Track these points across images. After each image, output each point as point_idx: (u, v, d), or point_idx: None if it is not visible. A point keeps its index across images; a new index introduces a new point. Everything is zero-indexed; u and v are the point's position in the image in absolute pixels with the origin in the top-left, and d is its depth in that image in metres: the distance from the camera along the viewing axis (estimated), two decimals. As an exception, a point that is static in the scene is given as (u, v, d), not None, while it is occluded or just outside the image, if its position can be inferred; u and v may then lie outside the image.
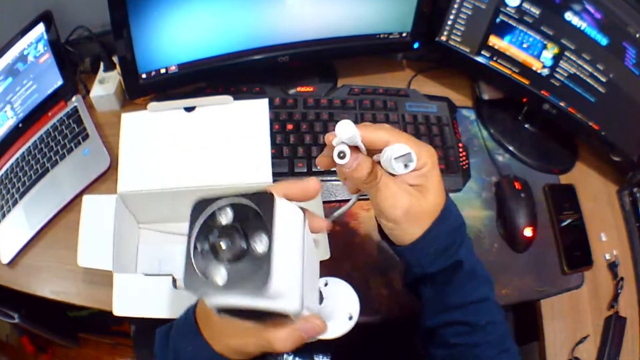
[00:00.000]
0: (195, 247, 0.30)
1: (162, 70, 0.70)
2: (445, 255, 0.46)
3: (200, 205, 0.30)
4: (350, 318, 0.43)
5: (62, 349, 1.30)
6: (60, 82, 0.82)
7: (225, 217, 0.30)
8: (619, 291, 0.83)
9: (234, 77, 0.79)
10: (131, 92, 0.71)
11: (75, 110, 0.82)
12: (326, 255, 0.61)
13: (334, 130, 0.37)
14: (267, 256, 0.28)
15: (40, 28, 0.78)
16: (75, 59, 0.87)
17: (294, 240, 0.32)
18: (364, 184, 0.40)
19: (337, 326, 0.42)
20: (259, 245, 0.29)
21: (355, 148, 0.38)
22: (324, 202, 0.69)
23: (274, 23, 0.73)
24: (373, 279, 0.71)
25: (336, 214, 0.47)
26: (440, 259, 0.46)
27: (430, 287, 0.49)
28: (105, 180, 0.75)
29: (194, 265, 0.29)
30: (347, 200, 0.49)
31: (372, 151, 0.42)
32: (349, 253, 0.71)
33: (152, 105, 0.63)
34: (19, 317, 1.03)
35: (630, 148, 0.86)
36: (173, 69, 0.71)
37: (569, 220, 0.82)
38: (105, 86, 0.81)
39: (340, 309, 0.44)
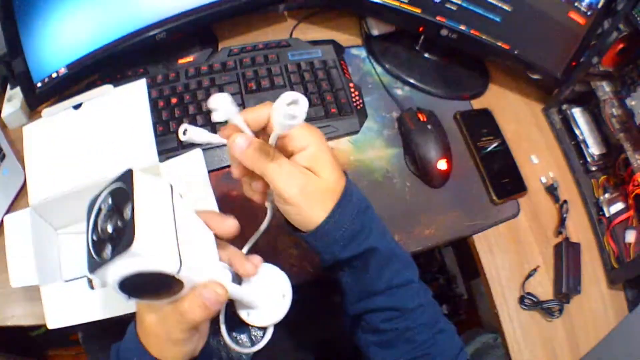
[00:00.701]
0: (92, 239, 0.33)
1: (54, 75, 0.71)
2: (356, 242, 0.43)
3: (91, 203, 0.34)
4: (284, 297, 0.46)
5: (32, 371, 1.33)
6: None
7: (106, 204, 0.34)
8: (565, 215, 0.75)
9: (120, 64, 0.78)
10: (30, 102, 0.72)
11: None
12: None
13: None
14: (131, 219, 0.31)
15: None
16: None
17: (160, 204, 0.34)
18: (256, 162, 0.40)
19: (274, 308, 0.46)
20: (128, 214, 0.31)
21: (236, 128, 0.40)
22: (217, 169, 0.69)
23: (143, 3, 0.73)
24: (280, 239, 0.64)
25: (253, 239, 0.48)
26: (351, 245, 0.43)
27: (349, 273, 0.46)
28: (24, 195, 0.73)
29: (92, 253, 0.32)
30: None
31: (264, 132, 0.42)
32: (252, 215, 0.65)
33: (45, 111, 0.64)
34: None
35: (550, 65, 0.80)
36: (63, 70, 0.71)
37: (490, 147, 0.75)
38: (12, 103, 0.81)
39: (271, 291, 0.46)
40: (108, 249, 0.32)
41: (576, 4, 0.73)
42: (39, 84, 0.70)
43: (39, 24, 0.65)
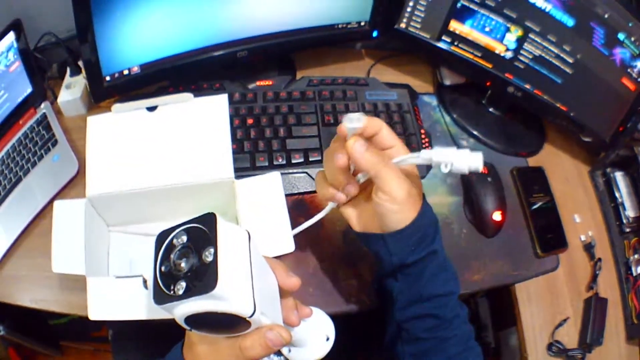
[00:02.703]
0: (160, 270, 0.35)
1: (125, 72, 0.71)
2: (422, 245, 0.49)
3: (161, 236, 0.36)
4: (327, 339, 0.50)
5: (46, 359, 1.31)
6: (29, 89, 0.81)
7: (181, 240, 0.35)
8: (597, 272, 0.81)
9: (195, 74, 0.79)
10: (96, 95, 0.72)
11: (44, 117, 0.81)
12: (291, 247, 0.62)
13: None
14: (213, 263, 0.33)
15: (10, 37, 0.77)
16: (44, 66, 0.87)
17: (239, 250, 0.36)
18: (374, 164, 0.46)
19: (317, 347, 0.49)
20: (208, 256, 0.33)
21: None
22: (287, 195, 0.69)
23: (231, 18, 0.74)
24: (342, 270, 0.69)
25: (308, 223, 0.54)
26: (418, 248, 0.48)
27: (402, 280, 0.50)
28: (75, 185, 0.74)
29: (160, 284, 0.34)
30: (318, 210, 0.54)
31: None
32: (316, 245, 0.70)
33: (116, 107, 0.64)
34: (3, 329, 1.03)
35: (600, 128, 0.85)
36: (135, 69, 0.72)
37: (539, 203, 0.81)
38: (71, 91, 0.81)
39: (316, 332, 0.50)
40: (181, 285, 0.33)
41: (629, 70, 0.77)
42: (107, 77, 0.70)
43: (118, 16, 0.65)
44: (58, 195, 0.73)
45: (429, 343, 0.50)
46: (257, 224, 0.64)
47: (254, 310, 0.35)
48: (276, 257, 0.58)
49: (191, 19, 0.70)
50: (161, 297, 0.34)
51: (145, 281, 0.58)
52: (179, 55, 0.73)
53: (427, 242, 0.49)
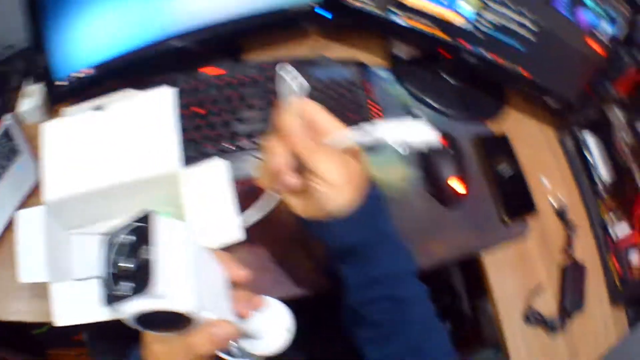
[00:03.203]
0: (108, 271, 0.35)
1: (78, 75, 0.71)
2: (368, 228, 0.47)
3: (108, 236, 0.36)
4: (286, 331, 0.49)
5: (34, 370, 1.31)
6: (-6, 103, 0.82)
7: (125, 240, 0.35)
8: (571, 234, 0.79)
9: (147, 69, 0.78)
10: (52, 100, 0.73)
11: (8, 127, 0.82)
12: (239, 236, 0.61)
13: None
14: (151, 261, 0.33)
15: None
16: (8, 77, 0.88)
17: (178, 247, 0.36)
18: (304, 149, 0.45)
19: (275, 339, 0.48)
20: (147, 254, 0.34)
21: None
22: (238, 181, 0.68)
23: (176, 11, 0.74)
24: (295, 253, 0.67)
25: (252, 218, 0.53)
26: (364, 231, 0.47)
27: (351, 264, 0.49)
28: (37, 192, 0.74)
29: (109, 287, 0.34)
30: None
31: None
32: (267, 229, 0.68)
33: (65, 110, 0.65)
34: (-10, 345, 1.02)
35: (566, 91, 0.83)
36: (88, 71, 0.72)
37: (503, 169, 0.79)
38: (31, 99, 0.81)
39: (273, 324, 0.49)
40: (127, 286, 0.33)
41: (594, 31, 0.75)
42: (61, 82, 0.70)
43: (66, 21, 0.65)
44: (25, 204, 0.72)
45: (387, 326, 0.48)
46: (203, 213, 0.63)
47: (195, 307, 0.35)
48: (226, 247, 0.58)
49: (137, 16, 0.71)
50: (109, 298, 0.34)
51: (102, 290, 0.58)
52: (129, 53, 0.74)
53: (372, 224, 0.47)
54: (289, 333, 0.49)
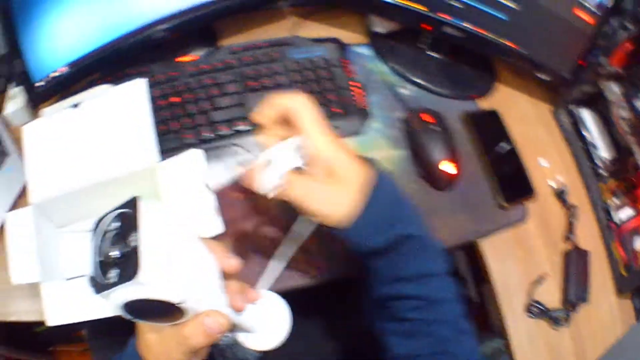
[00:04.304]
0: (96, 259, 0.34)
1: (55, 74, 0.71)
2: (391, 229, 0.45)
3: (96, 226, 0.35)
4: (283, 324, 0.49)
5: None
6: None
7: (112, 227, 0.35)
8: (572, 220, 0.73)
9: (122, 62, 0.78)
10: (33, 101, 0.73)
11: None
12: (218, 228, 0.58)
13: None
14: (137, 248, 0.32)
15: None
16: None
17: (164, 234, 0.36)
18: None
19: (272, 333, 0.48)
20: (133, 241, 0.33)
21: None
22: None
23: (145, 0, 0.72)
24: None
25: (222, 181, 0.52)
26: (386, 233, 0.45)
27: (384, 259, 0.47)
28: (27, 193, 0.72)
29: (97, 275, 0.34)
30: None
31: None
32: (256, 221, 0.64)
33: (43, 110, 0.64)
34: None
35: (558, 64, 0.77)
36: (64, 69, 0.72)
37: (497, 146, 0.73)
38: (15, 102, 0.82)
39: (270, 318, 0.49)
40: (114, 273, 0.33)
41: (582, 0, 0.70)
42: (39, 83, 0.71)
43: (37, 24, 0.66)
44: (16, 205, 0.73)
45: (414, 324, 0.47)
46: (182, 205, 0.61)
47: (183, 295, 0.34)
48: (212, 238, 0.54)
49: (106, 9, 0.70)
50: (97, 286, 0.34)
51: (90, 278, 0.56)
52: (102, 48, 0.73)
53: (397, 225, 0.45)
54: (287, 327, 0.49)
